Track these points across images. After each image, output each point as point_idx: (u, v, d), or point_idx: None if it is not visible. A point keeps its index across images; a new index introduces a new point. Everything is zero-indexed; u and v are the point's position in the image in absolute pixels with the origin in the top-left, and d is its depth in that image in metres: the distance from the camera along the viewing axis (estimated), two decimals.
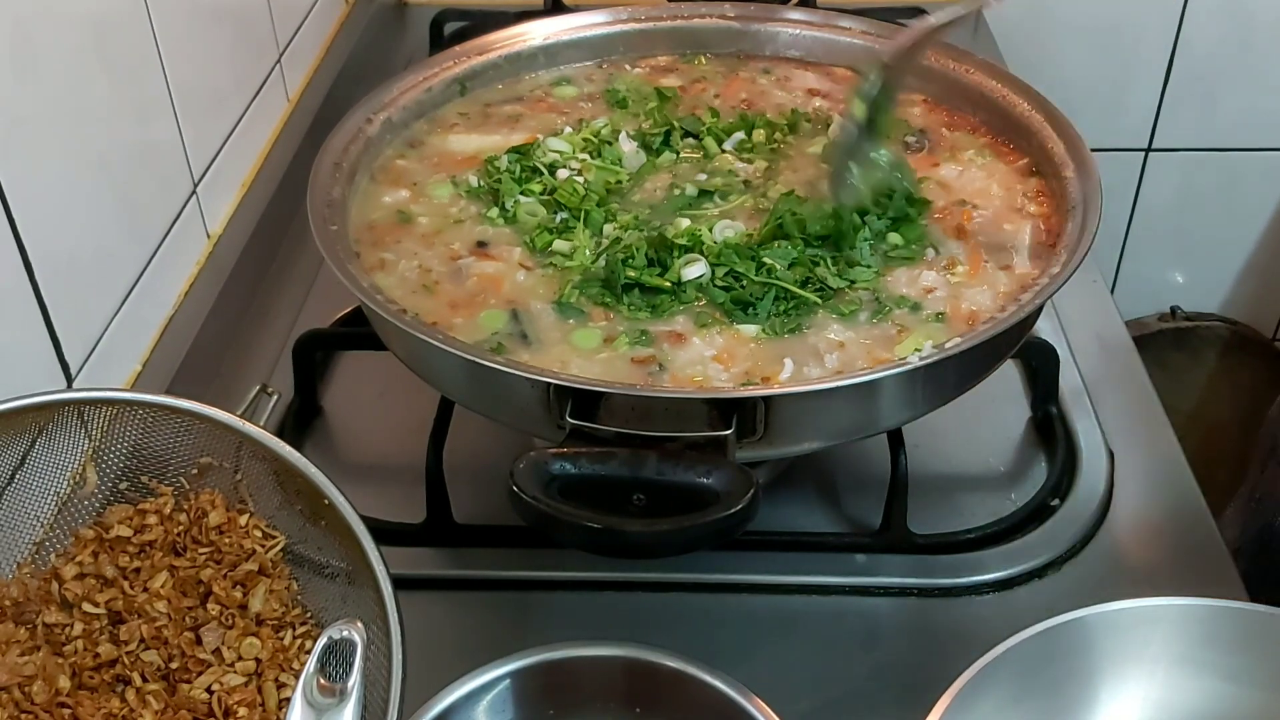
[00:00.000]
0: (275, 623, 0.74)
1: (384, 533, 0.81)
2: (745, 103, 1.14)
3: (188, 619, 0.73)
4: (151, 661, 0.71)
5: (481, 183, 1.03)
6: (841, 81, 1.16)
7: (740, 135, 1.08)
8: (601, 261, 0.92)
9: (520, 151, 1.05)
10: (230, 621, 0.73)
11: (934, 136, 1.08)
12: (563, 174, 1.02)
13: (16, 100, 0.84)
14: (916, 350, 0.82)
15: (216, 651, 0.71)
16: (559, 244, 0.95)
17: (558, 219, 0.98)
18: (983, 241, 0.94)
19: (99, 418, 0.77)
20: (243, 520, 0.77)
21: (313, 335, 1.05)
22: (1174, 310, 2.00)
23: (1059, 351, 1.02)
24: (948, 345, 0.80)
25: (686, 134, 1.09)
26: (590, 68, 1.19)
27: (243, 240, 1.18)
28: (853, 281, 0.90)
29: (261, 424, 0.79)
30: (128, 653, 0.71)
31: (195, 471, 0.78)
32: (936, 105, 1.11)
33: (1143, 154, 1.92)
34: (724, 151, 1.07)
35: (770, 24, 1.19)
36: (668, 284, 0.89)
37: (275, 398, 0.95)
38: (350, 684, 0.64)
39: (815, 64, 1.18)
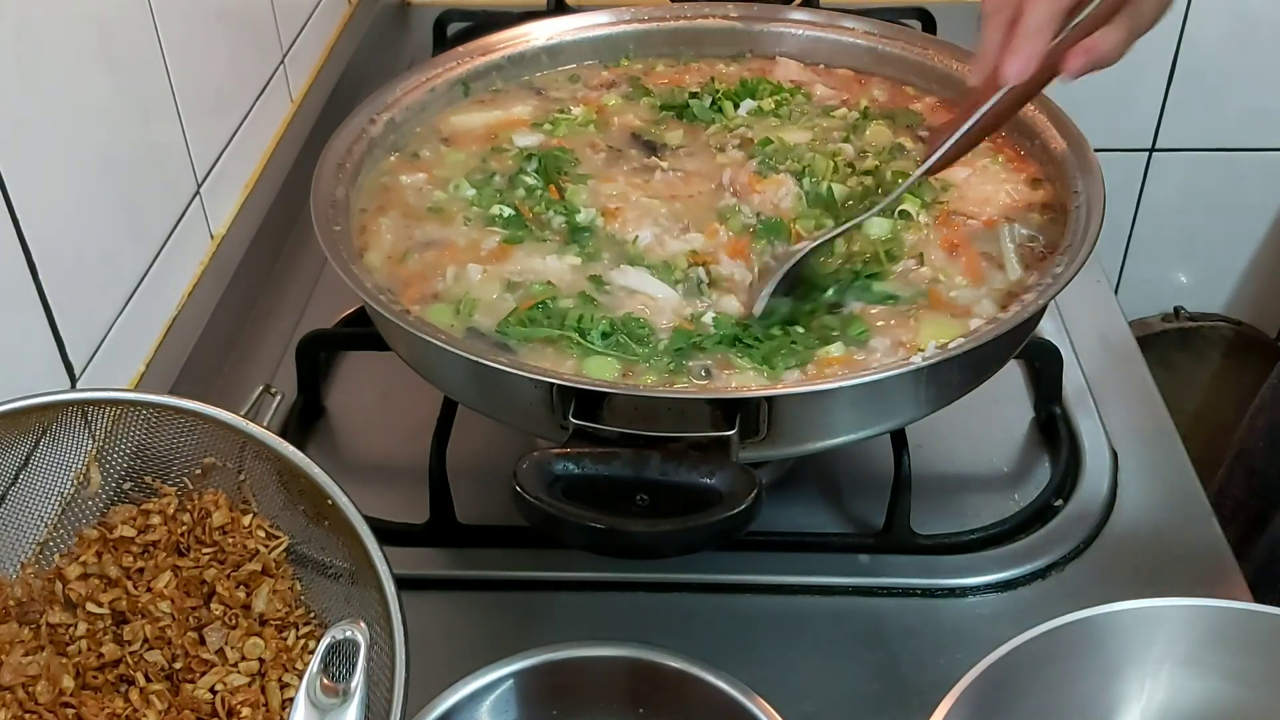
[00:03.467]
0: (279, 623, 0.74)
1: (387, 533, 0.81)
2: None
3: (191, 619, 0.73)
4: (155, 661, 0.71)
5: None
6: (822, 74, 1.17)
7: (751, 101, 1.10)
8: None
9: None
10: (234, 621, 0.73)
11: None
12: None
13: (21, 101, 0.84)
14: (920, 350, 0.82)
15: (220, 651, 0.71)
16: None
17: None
18: (978, 250, 0.94)
19: (102, 418, 0.77)
20: (246, 520, 0.77)
21: (316, 335, 1.05)
22: (1178, 310, 2.00)
23: (1062, 352, 1.02)
24: (951, 345, 0.80)
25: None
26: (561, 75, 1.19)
27: (246, 240, 1.19)
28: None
29: (265, 424, 0.79)
30: (131, 653, 0.71)
31: (199, 472, 0.79)
32: (949, 106, 1.11)
33: (1146, 154, 1.92)
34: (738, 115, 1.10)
35: (773, 24, 1.20)
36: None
37: (279, 398, 0.95)
38: (353, 684, 0.64)
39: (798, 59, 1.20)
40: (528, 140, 1.08)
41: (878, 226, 0.95)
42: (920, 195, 0.98)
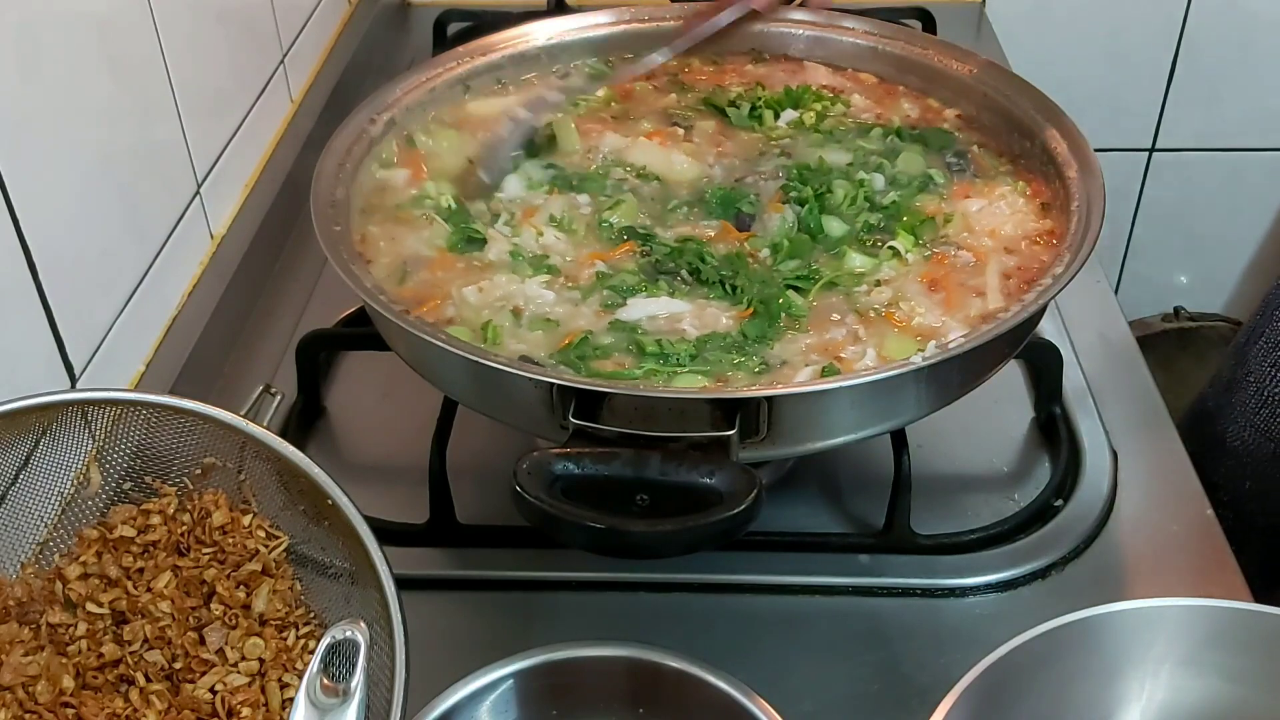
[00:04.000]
0: (279, 623, 0.74)
1: (387, 533, 0.81)
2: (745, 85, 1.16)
3: (191, 619, 0.73)
4: (155, 661, 0.71)
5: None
6: (850, 78, 1.16)
7: (792, 112, 1.10)
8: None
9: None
10: (234, 621, 0.73)
11: (971, 158, 1.05)
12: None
13: (21, 100, 0.84)
14: (919, 350, 0.82)
15: (220, 651, 0.71)
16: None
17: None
18: (958, 283, 0.92)
19: (103, 418, 0.77)
20: (246, 520, 0.77)
21: (316, 335, 1.05)
22: (1178, 310, 2.00)
23: (1062, 352, 1.02)
24: (951, 345, 0.80)
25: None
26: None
27: (246, 241, 1.19)
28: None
29: (265, 424, 0.79)
30: (131, 653, 0.71)
31: (199, 472, 0.78)
32: (969, 123, 1.09)
33: (1146, 154, 1.92)
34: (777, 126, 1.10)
35: (773, 24, 1.20)
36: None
37: (279, 398, 0.95)
38: (353, 684, 0.64)
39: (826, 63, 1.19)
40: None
41: (858, 261, 0.93)
42: (918, 234, 0.95)
